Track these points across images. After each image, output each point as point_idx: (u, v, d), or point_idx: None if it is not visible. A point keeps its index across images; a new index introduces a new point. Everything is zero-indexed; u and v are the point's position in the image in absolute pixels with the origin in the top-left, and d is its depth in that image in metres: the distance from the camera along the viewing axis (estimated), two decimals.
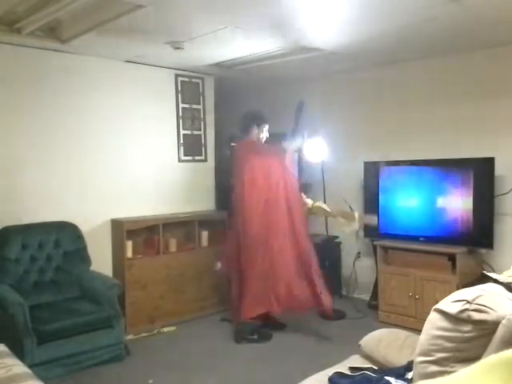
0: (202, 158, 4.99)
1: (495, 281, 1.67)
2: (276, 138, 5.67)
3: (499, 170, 3.85)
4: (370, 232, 4.60)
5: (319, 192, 4.79)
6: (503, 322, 1.40)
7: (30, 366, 2.48)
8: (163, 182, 4.67)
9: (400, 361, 2.06)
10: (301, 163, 5.15)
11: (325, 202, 4.71)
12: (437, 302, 1.59)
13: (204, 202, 4.94)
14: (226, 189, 4.61)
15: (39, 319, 3.24)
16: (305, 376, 2.13)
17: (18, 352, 2.68)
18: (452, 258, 3.93)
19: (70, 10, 3.03)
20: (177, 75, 4.83)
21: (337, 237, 5.06)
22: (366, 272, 4.96)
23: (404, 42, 3.85)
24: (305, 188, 5.36)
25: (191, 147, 4.92)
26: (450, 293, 1.68)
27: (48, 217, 3.85)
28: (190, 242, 4.66)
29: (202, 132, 5.04)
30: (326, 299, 4.01)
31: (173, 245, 4.53)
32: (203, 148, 5.04)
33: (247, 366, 3.50)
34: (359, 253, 5.06)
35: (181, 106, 4.86)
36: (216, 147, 5.12)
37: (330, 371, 2.08)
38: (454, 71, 4.32)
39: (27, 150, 3.87)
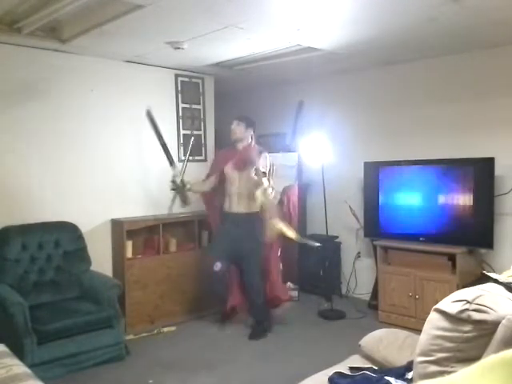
0: (202, 158, 4.99)
1: (495, 281, 1.67)
2: (276, 137, 5.69)
3: (499, 170, 3.85)
4: (370, 231, 4.61)
5: (319, 192, 4.79)
6: (503, 322, 1.40)
7: (30, 366, 2.48)
8: (163, 181, 4.66)
9: (400, 361, 2.06)
10: (300, 164, 5.15)
11: (325, 202, 4.71)
12: (437, 302, 1.59)
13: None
14: None
15: (39, 319, 3.24)
16: (305, 376, 2.12)
17: (18, 352, 2.67)
18: (452, 257, 3.93)
19: (70, 9, 3.03)
20: (177, 75, 4.83)
21: (337, 237, 5.06)
22: (365, 272, 4.96)
23: (404, 42, 3.85)
24: (304, 188, 5.37)
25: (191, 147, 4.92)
26: (450, 293, 1.68)
27: (48, 217, 3.85)
28: (190, 241, 4.66)
29: (202, 132, 5.04)
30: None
31: (173, 245, 4.53)
32: (203, 148, 5.04)
33: (247, 365, 3.50)
34: (359, 253, 5.06)
35: (181, 105, 4.86)
36: (216, 147, 5.12)
37: (330, 371, 2.08)
38: (454, 71, 4.32)
39: (27, 150, 3.87)
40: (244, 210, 4.02)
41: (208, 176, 4.33)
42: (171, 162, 4.12)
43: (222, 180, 4.20)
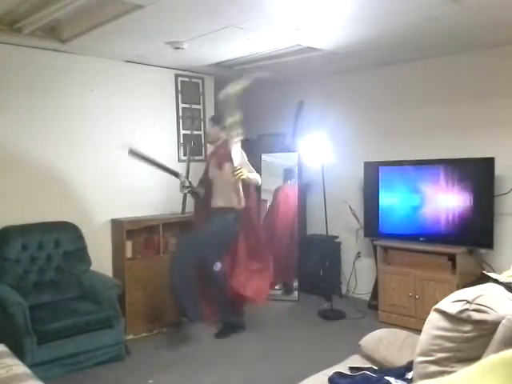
0: (202, 157, 4.99)
1: (495, 281, 1.67)
2: (276, 137, 5.69)
3: (499, 170, 3.85)
4: (370, 231, 4.61)
5: (319, 192, 4.79)
6: (503, 322, 1.40)
7: (30, 366, 2.48)
8: (163, 181, 4.66)
9: (400, 361, 2.06)
10: (300, 164, 5.16)
11: (325, 202, 4.71)
12: (437, 302, 1.59)
13: None
14: None
15: (39, 319, 3.24)
16: (305, 376, 2.12)
17: (18, 352, 2.67)
18: (452, 258, 3.93)
19: (70, 9, 3.03)
20: (177, 75, 4.83)
21: (337, 237, 5.06)
22: (365, 272, 4.96)
23: (404, 42, 3.85)
24: (304, 188, 5.37)
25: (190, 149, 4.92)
26: (450, 293, 1.68)
27: (48, 217, 3.85)
28: None
29: (202, 132, 5.04)
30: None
31: (173, 245, 4.52)
32: (203, 148, 5.04)
33: (247, 365, 3.50)
34: (359, 253, 5.06)
35: (181, 105, 4.86)
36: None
37: (330, 371, 2.08)
38: (454, 71, 4.32)
39: (27, 150, 3.87)
40: (222, 205, 4.11)
41: (203, 178, 4.38)
42: (176, 175, 4.25)
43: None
